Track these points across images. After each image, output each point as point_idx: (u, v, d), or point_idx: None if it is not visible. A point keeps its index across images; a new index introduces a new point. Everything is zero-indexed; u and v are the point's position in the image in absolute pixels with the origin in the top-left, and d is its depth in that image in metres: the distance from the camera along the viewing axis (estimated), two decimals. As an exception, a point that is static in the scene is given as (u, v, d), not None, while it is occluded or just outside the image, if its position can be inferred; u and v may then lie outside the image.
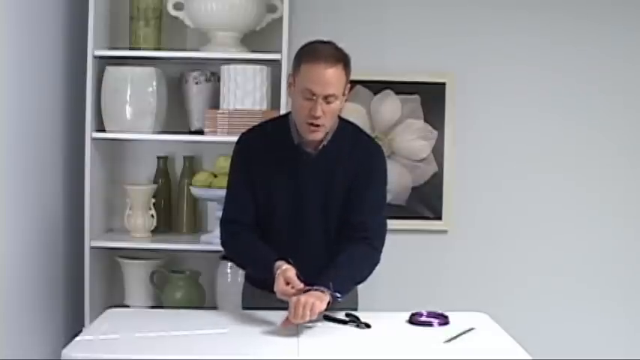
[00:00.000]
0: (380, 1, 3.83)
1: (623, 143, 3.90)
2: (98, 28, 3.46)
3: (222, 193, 2.90)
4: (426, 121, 3.85)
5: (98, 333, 2.42)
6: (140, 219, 3.60)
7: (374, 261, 2.71)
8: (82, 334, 2.46)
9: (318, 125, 2.61)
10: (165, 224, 3.75)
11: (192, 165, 3.76)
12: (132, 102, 3.48)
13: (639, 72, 3.88)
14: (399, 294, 3.73)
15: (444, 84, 3.83)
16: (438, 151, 3.85)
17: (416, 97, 3.84)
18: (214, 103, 3.60)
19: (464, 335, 2.46)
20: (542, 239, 3.90)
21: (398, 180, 3.80)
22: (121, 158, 3.80)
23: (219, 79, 3.58)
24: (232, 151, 2.82)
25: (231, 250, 2.83)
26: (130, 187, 3.62)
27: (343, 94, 2.66)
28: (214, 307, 3.55)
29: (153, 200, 3.63)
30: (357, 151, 2.75)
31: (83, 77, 3.44)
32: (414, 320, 2.60)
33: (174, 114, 3.67)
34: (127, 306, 3.62)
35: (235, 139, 2.84)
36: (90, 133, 3.46)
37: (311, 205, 2.72)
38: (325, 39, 2.68)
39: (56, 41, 3.42)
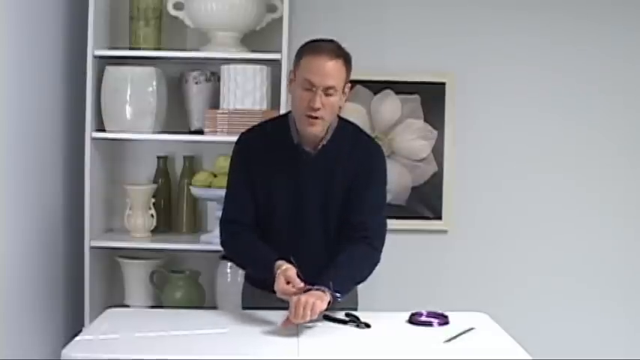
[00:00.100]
0: (380, 1, 3.84)
1: (623, 143, 3.90)
2: (98, 27, 3.46)
3: (222, 192, 2.90)
4: (425, 120, 3.85)
5: (98, 333, 2.42)
6: (140, 219, 3.60)
7: (374, 261, 2.71)
8: (81, 333, 2.46)
9: (316, 118, 2.61)
10: (165, 224, 3.75)
11: (192, 165, 3.76)
12: (132, 102, 3.48)
13: (639, 72, 3.88)
14: (398, 294, 3.73)
15: (444, 84, 3.83)
16: (437, 151, 3.85)
17: (416, 97, 3.84)
18: (214, 102, 3.60)
19: (464, 335, 2.46)
20: (542, 239, 3.90)
21: (398, 180, 3.80)
22: (120, 158, 3.80)
23: (219, 79, 3.58)
24: (232, 151, 2.82)
25: (231, 250, 2.83)
26: (129, 187, 3.62)
27: (343, 92, 2.67)
28: (214, 307, 3.55)
29: (153, 200, 3.63)
30: (357, 151, 2.75)
31: (83, 77, 3.44)
32: (413, 320, 2.60)
33: (174, 114, 3.67)
34: (127, 306, 3.62)
35: (235, 138, 2.84)
36: (90, 133, 3.46)
37: (311, 204, 2.72)
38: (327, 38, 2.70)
39: (56, 41, 3.42)
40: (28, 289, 3.15)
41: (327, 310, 2.49)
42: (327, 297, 2.47)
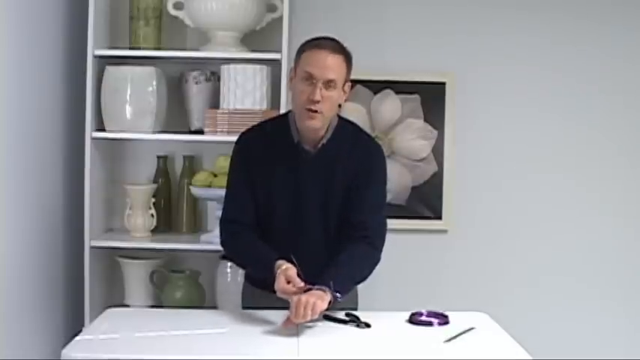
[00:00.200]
0: (380, 0, 3.83)
1: (623, 143, 3.90)
2: (98, 27, 3.46)
3: (222, 192, 2.90)
4: (426, 120, 3.85)
5: (98, 332, 2.42)
6: (140, 218, 3.60)
7: (374, 260, 2.71)
8: (81, 333, 2.46)
9: (316, 112, 2.61)
10: (165, 224, 3.75)
11: (192, 164, 3.76)
12: (132, 101, 3.48)
13: (639, 72, 3.88)
14: (398, 294, 3.73)
15: (444, 84, 3.83)
16: (437, 151, 3.85)
17: (416, 96, 3.84)
18: (214, 102, 3.60)
19: (464, 335, 2.46)
20: (542, 239, 3.90)
21: (398, 179, 3.80)
22: (120, 158, 3.80)
23: (219, 79, 3.58)
24: (232, 150, 2.82)
25: (231, 250, 2.83)
26: (129, 187, 3.62)
27: (343, 91, 2.67)
28: (214, 307, 3.55)
29: (153, 200, 3.63)
30: (357, 151, 2.75)
31: (83, 77, 3.44)
32: (413, 320, 2.60)
33: (174, 113, 3.67)
34: (127, 305, 3.62)
35: (235, 138, 2.84)
36: (90, 133, 3.46)
37: (311, 203, 2.73)
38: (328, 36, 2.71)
39: (56, 41, 3.42)
40: (28, 289, 3.15)
41: (327, 309, 2.49)
42: (327, 296, 2.47)
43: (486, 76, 3.85)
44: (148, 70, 3.50)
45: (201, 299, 3.60)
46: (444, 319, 2.59)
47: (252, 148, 2.77)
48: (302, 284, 2.49)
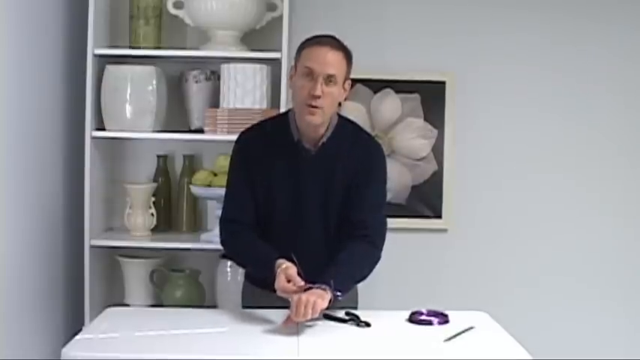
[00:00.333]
0: (380, -1, 3.84)
1: (623, 143, 3.89)
2: (98, 26, 3.46)
3: (222, 191, 2.90)
4: (425, 119, 3.85)
5: (98, 332, 2.42)
6: (140, 218, 3.60)
7: (374, 259, 2.71)
8: (81, 332, 2.46)
9: (317, 107, 2.61)
10: (165, 223, 3.75)
11: (192, 164, 3.76)
12: (132, 101, 3.48)
13: (639, 72, 3.88)
14: (398, 293, 3.73)
15: (444, 83, 3.83)
16: (437, 150, 3.85)
17: (416, 95, 3.84)
18: (214, 101, 3.60)
19: (464, 334, 2.46)
20: (542, 238, 3.90)
21: (398, 179, 3.80)
22: (120, 157, 3.80)
23: (219, 78, 3.58)
24: (232, 149, 2.82)
25: (231, 250, 2.83)
26: (129, 186, 3.62)
27: (344, 89, 2.67)
28: (214, 306, 3.55)
29: (153, 199, 3.63)
30: (357, 149, 2.75)
31: (83, 76, 3.44)
32: (413, 319, 2.60)
33: (174, 113, 3.67)
34: (127, 305, 3.62)
35: (235, 137, 2.84)
36: (90, 132, 3.46)
37: (311, 202, 2.73)
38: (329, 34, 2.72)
39: (56, 40, 3.42)
40: (28, 288, 3.15)
41: (327, 308, 2.49)
42: (328, 295, 2.47)
43: (486, 75, 3.85)
44: (148, 70, 3.50)
45: (201, 298, 3.60)
46: (443, 319, 2.59)
47: (252, 148, 2.77)
48: (302, 283, 2.49)
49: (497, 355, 2.33)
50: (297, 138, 2.72)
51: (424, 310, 2.63)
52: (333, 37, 2.68)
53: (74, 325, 3.39)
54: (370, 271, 2.70)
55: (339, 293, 2.50)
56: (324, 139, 2.72)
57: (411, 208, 3.86)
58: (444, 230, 3.88)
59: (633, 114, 3.89)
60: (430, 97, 3.84)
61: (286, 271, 2.52)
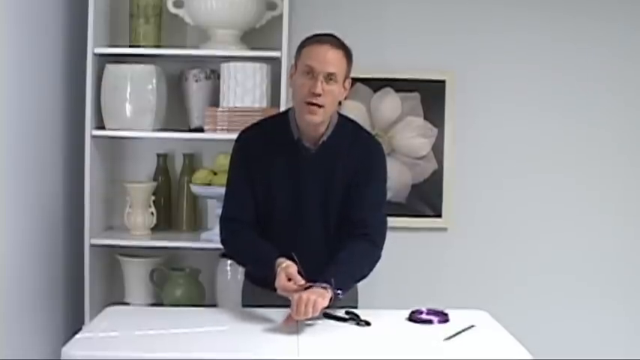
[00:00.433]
0: (380, -2, 3.84)
1: (623, 141, 3.89)
2: (98, 25, 3.46)
3: (222, 190, 2.90)
4: (425, 118, 3.85)
5: (98, 331, 2.42)
6: (140, 217, 3.60)
7: (374, 258, 2.71)
8: (81, 331, 2.46)
9: (317, 105, 2.61)
10: (165, 222, 3.75)
11: (192, 162, 3.76)
12: (132, 100, 3.48)
13: (639, 70, 3.88)
14: (398, 292, 3.73)
15: (444, 81, 3.83)
16: (437, 149, 3.85)
17: (416, 94, 3.84)
18: (214, 100, 3.60)
19: (464, 333, 2.46)
20: (542, 237, 3.90)
21: (398, 177, 3.80)
22: (120, 156, 3.80)
23: (219, 77, 3.58)
24: (232, 148, 2.82)
25: (232, 248, 2.83)
26: (129, 185, 3.62)
27: (344, 87, 2.68)
28: (214, 305, 3.55)
29: (153, 198, 3.63)
30: (357, 148, 2.75)
31: (83, 75, 3.44)
32: (413, 318, 2.60)
33: (174, 111, 3.67)
34: (127, 304, 3.62)
35: (235, 136, 2.84)
36: (90, 131, 3.46)
37: (311, 200, 2.73)
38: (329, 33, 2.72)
39: (56, 39, 3.41)
40: (28, 287, 3.15)
41: (328, 307, 2.49)
42: (328, 294, 2.47)
43: (486, 74, 3.85)
44: (148, 68, 3.50)
45: (201, 297, 3.60)
46: (443, 317, 2.59)
47: (252, 146, 2.77)
48: (303, 282, 2.49)
49: (497, 353, 2.33)
50: (297, 137, 2.72)
51: (424, 309, 2.63)
52: (333, 36, 2.68)
53: (74, 324, 3.39)
54: (370, 270, 2.70)
55: (339, 292, 2.50)
56: (325, 138, 2.72)
57: (411, 207, 3.86)
58: (444, 229, 3.88)
59: (633, 112, 3.88)
60: (430, 96, 3.84)
61: (287, 269, 2.52)
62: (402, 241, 3.72)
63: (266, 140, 2.76)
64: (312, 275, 2.51)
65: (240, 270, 3.24)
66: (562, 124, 3.88)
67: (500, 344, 2.41)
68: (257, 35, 3.64)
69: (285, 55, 3.41)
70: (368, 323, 2.53)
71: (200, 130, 3.59)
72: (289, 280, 2.51)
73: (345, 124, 2.79)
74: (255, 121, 2.97)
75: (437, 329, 2.51)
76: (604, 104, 3.87)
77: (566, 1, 3.84)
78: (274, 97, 3.53)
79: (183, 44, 3.73)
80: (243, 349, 2.30)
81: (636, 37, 3.86)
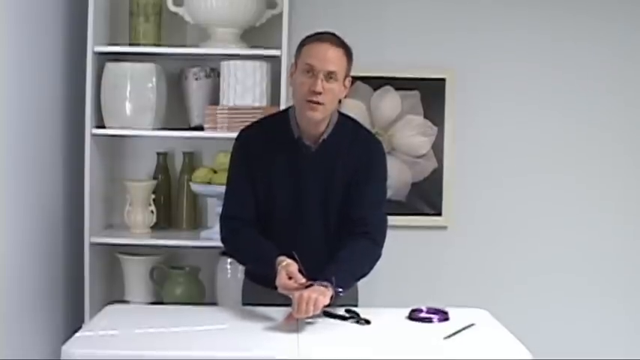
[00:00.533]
0: (380, -4, 3.84)
1: (623, 140, 3.89)
2: (98, 24, 3.45)
3: (222, 189, 2.90)
4: (425, 117, 3.85)
5: (98, 329, 2.42)
6: (140, 215, 3.60)
7: (375, 256, 2.71)
8: (81, 330, 2.46)
9: (318, 103, 2.61)
10: (165, 220, 3.75)
11: (191, 161, 3.76)
12: (131, 98, 3.48)
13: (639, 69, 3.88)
14: (398, 290, 3.73)
15: (444, 80, 3.83)
16: (437, 147, 3.85)
17: (416, 93, 3.84)
18: (214, 99, 3.60)
19: (464, 331, 2.46)
20: (542, 236, 3.90)
21: (398, 176, 3.80)
22: (120, 154, 3.80)
23: (219, 75, 3.58)
24: (232, 147, 2.82)
25: (232, 247, 2.83)
26: (129, 183, 3.62)
27: (344, 85, 2.68)
28: (214, 303, 3.55)
29: (153, 196, 3.63)
30: (357, 146, 2.75)
31: (83, 73, 3.43)
32: (413, 316, 2.60)
33: (174, 110, 3.67)
34: (127, 302, 3.62)
35: (235, 135, 2.84)
36: (90, 130, 3.45)
37: (311, 199, 2.73)
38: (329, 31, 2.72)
39: (56, 37, 3.41)
40: (28, 286, 3.15)
41: (328, 305, 2.49)
42: (329, 292, 2.47)
43: (486, 72, 3.85)
44: (148, 67, 3.50)
45: (201, 296, 3.60)
46: (443, 316, 2.59)
47: (253, 145, 2.77)
48: (303, 280, 2.50)
49: (497, 352, 2.33)
50: (297, 135, 2.72)
51: (424, 308, 2.63)
52: (333, 34, 2.68)
53: (74, 322, 3.39)
54: (371, 268, 2.70)
55: (340, 290, 2.50)
56: (325, 136, 2.72)
57: (411, 205, 3.86)
58: (444, 227, 3.88)
59: (633, 111, 3.89)
60: (430, 95, 3.84)
61: (287, 268, 2.52)
62: (402, 239, 3.72)
63: (266, 139, 2.76)
64: (313, 274, 2.51)
65: (240, 268, 3.24)
66: (562, 123, 3.88)
67: (500, 343, 2.41)
68: (257, 33, 3.64)
69: (285, 53, 3.41)
70: (368, 322, 2.53)
71: (200, 128, 3.59)
72: (290, 278, 2.51)
73: (345, 122, 2.79)
74: (255, 119, 2.97)
75: (437, 328, 2.51)
76: (604, 103, 3.87)
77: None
78: (274, 95, 3.53)
79: (183, 43, 3.73)
80: (243, 348, 2.30)
81: (636, 36, 3.86)
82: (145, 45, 3.56)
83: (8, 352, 2.94)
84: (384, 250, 2.73)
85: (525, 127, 3.88)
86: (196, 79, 3.64)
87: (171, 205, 3.78)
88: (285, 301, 2.50)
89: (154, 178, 3.73)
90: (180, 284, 3.56)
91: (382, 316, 2.58)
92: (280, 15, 3.49)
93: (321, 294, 2.44)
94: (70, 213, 3.53)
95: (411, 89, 3.84)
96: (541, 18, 3.84)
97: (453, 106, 3.84)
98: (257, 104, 3.48)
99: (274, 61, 3.50)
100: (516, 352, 2.32)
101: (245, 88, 3.48)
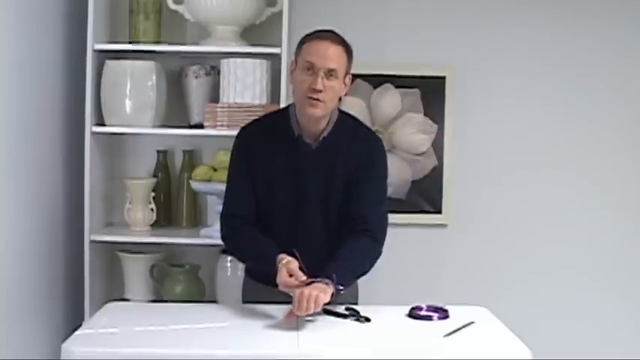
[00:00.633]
0: (380, -6, 3.84)
1: (623, 137, 3.90)
2: (98, 21, 3.45)
3: (222, 187, 2.90)
4: (425, 114, 3.85)
5: (98, 327, 2.42)
6: (140, 213, 3.60)
7: (375, 254, 2.71)
8: (81, 327, 2.47)
9: (318, 100, 2.60)
10: (165, 218, 3.75)
11: (191, 159, 3.75)
12: (131, 96, 3.48)
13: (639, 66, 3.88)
14: (398, 288, 3.73)
15: (444, 78, 3.83)
16: (437, 145, 3.85)
17: (416, 90, 3.84)
18: (214, 96, 3.59)
19: (463, 329, 2.46)
20: (542, 233, 3.90)
21: (398, 174, 3.80)
22: (120, 152, 3.80)
23: (218, 73, 3.57)
24: (232, 145, 2.82)
25: (232, 245, 2.83)
26: (129, 181, 3.62)
27: (344, 83, 2.68)
28: (214, 301, 3.55)
29: (153, 194, 3.63)
30: (357, 144, 2.75)
31: (83, 71, 3.43)
32: (413, 314, 2.60)
33: (174, 108, 3.67)
34: (127, 300, 3.62)
35: (235, 132, 2.84)
36: (90, 127, 3.45)
37: (311, 197, 2.73)
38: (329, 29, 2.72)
39: (56, 35, 3.41)
40: (28, 284, 3.15)
41: (328, 303, 2.49)
42: (330, 289, 2.47)
43: (486, 70, 3.85)
44: (148, 65, 3.50)
45: (201, 293, 3.60)
46: (443, 314, 2.59)
47: (253, 143, 2.77)
48: (304, 277, 2.50)
49: (497, 350, 2.33)
50: (297, 133, 2.72)
51: (424, 306, 2.63)
52: (333, 32, 2.68)
53: (74, 320, 3.39)
54: (371, 266, 2.70)
55: (341, 287, 2.50)
56: (325, 134, 2.72)
57: (411, 203, 3.86)
58: (444, 225, 3.89)
59: (633, 109, 3.89)
60: (430, 92, 3.84)
61: (288, 265, 2.52)
62: (402, 237, 3.71)
63: (266, 137, 2.76)
64: (313, 271, 2.51)
65: (240, 266, 3.24)
66: (562, 121, 3.88)
67: (500, 340, 2.41)
68: (257, 31, 3.64)
69: (285, 51, 3.41)
70: (368, 319, 2.53)
71: (200, 126, 3.59)
72: (290, 276, 2.51)
73: (345, 120, 2.79)
74: (255, 117, 2.97)
75: (437, 325, 2.51)
76: (604, 100, 3.87)
77: (567, -3, 3.85)
78: (274, 93, 3.52)
79: (183, 40, 3.72)
80: (244, 345, 2.30)
81: (636, 33, 3.86)
82: (145, 43, 3.56)
83: (8, 349, 2.94)
84: (384, 248, 2.73)
85: (525, 124, 3.88)
86: (196, 76, 3.64)
87: (171, 203, 3.78)
88: (285, 299, 2.50)
89: (154, 175, 3.73)
90: (180, 282, 3.56)
91: (382, 314, 2.58)
92: (280, 13, 3.48)
93: (322, 291, 2.44)
94: (69, 211, 3.53)
95: (411, 87, 3.84)
96: (541, 16, 3.84)
97: (453, 103, 3.84)
98: (257, 102, 3.48)
99: (274, 58, 3.50)
100: (516, 349, 2.32)
101: (245, 86, 3.48)
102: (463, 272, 3.90)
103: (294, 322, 2.44)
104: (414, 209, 3.86)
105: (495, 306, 2.72)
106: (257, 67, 3.49)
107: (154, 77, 3.49)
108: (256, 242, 2.70)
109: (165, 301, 3.50)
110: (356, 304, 2.73)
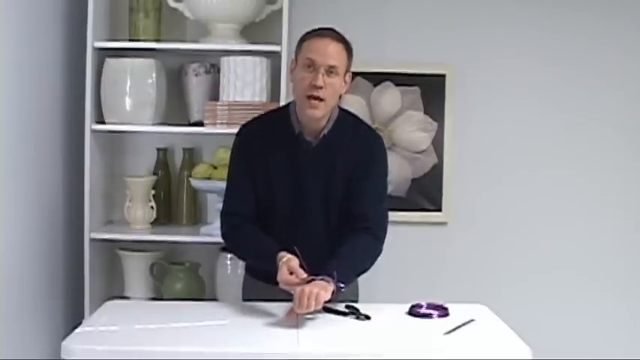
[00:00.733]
0: (380, -8, 3.84)
1: (623, 136, 3.89)
2: (98, 19, 3.45)
3: (222, 184, 2.90)
4: (426, 112, 3.85)
5: (98, 325, 2.42)
6: (140, 211, 3.60)
7: (376, 251, 2.71)
8: (81, 325, 2.46)
9: (318, 99, 2.60)
10: (165, 216, 3.75)
11: (191, 157, 3.75)
12: (131, 94, 3.48)
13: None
14: (398, 286, 3.73)
15: (444, 76, 3.83)
16: (437, 143, 3.85)
17: (416, 88, 3.84)
18: (214, 94, 3.59)
19: (463, 327, 2.46)
20: (541, 232, 3.90)
21: (398, 172, 3.80)
22: (120, 150, 3.80)
23: (218, 71, 3.57)
24: (232, 143, 2.82)
25: (233, 243, 2.83)
26: (129, 179, 3.62)
27: (344, 80, 2.68)
28: (214, 299, 3.55)
29: (152, 192, 3.63)
30: (357, 142, 2.75)
31: (83, 69, 3.43)
32: (413, 312, 2.60)
33: (174, 106, 3.67)
34: (127, 298, 3.62)
35: (235, 130, 2.84)
36: (89, 125, 3.45)
37: (312, 194, 2.73)
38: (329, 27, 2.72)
39: (56, 33, 3.41)
40: (28, 282, 3.15)
41: (329, 300, 2.49)
42: (330, 287, 2.47)
43: (486, 68, 3.85)
44: (148, 62, 3.50)
45: (201, 291, 3.60)
46: (443, 312, 2.59)
47: (253, 141, 2.77)
48: (305, 275, 2.50)
49: (496, 348, 2.33)
50: (297, 131, 2.71)
51: (424, 303, 2.63)
52: (333, 30, 2.68)
53: (74, 318, 3.39)
54: (372, 263, 2.70)
55: (342, 285, 2.51)
56: (325, 132, 2.72)
57: (411, 201, 3.86)
58: (444, 223, 3.89)
59: (633, 107, 3.88)
60: (430, 90, 3.84)
61: (288, 263, 2.52)
62: (402, 235, 3.71)
63: (267, 134, 2.76)
64: (314, 269, 2.51)
65: (241, 264, 3.24)
66: (562, 119, 3.88)
67: (499, 338, 2.41)
68: (257, 29, 3.64)
69: (285, 49, 3.41)
70: (368, 317, 2.53)
71: (200, 124, 3.58)
72: (291, 273, 2.51)
73: (345, 117, 2.79)
74: (255, 115, 2.97)
75: (437, 323, 2.51)
76: (604, 99, 3.87)
77: (567, -4, 3.85)
78: (274, 91, 3.52)
79: (183, 38, 3.72)
80: (244, 343, 2.30)
81: (636, 32, 3.86)
82: (144, 41, 3.56)
83: (8, 347, 2.94)
84: (384, 246, 2.73)
85: (525, 123, 3.88)
86: (196, 74, 3.64)
87: (171, 200, 3.78)
88: (286, 297, 2.50)
89: (154, 173, 3.73)
90: (180, 280, 3.56)
91: (382, 312, 2.58)
92: (280, 11, 3.48)
93: (323, 289, 2.44)
94: (69, 209, 3.53)
95: (411, 85, 3.84)
96: (541, 14, 3.84)
97: (453, 102, 3.84)
98: (257, 100, 3.48)
99: (274, 56, 3.50)
100: (516, 348, 2.32)
101: (245, 84, 3.47)
102: (463, 270, 3.90)
103: (295, 320, 2.44)
104: (414, 207, 3.86)
105: (495, 304, 2.72)
106: (257, 65, 3.48)
107: (153, 75, 3.49)
108: (256, 240, 2.70)
109: (166, 299, 3.50)
110: (356, 301, 2.73)
